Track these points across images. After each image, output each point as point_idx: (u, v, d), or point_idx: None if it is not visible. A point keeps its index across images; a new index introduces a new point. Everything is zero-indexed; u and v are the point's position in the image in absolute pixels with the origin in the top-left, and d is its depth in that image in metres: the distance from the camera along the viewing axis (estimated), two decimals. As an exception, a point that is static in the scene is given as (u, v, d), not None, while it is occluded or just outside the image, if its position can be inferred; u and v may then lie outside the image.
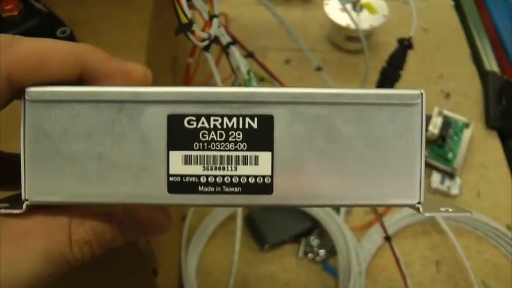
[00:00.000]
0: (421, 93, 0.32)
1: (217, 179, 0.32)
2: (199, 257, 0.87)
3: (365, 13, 1.10)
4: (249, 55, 0.69)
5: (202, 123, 0.32)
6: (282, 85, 0.69)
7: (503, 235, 0.89)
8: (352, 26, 1.06)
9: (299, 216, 0.90)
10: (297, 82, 1.08)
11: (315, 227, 0.90)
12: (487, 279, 0.86)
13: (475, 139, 1.03)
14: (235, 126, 0.32)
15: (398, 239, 0.90)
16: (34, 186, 0.32)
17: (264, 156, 0.32)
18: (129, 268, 0.57)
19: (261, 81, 0.85)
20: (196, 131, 0.32)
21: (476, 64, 1.18)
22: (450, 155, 0.98)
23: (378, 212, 0.79)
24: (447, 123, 1.00)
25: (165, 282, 0.69)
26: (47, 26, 0.59)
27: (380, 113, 0.32)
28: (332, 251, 0.87)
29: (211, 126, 0.32)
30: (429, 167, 0.99)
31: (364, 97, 0.32)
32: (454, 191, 0.96)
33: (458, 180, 0.97)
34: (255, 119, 0.32)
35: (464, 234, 0.91)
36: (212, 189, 0.32)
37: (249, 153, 0.32)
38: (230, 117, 0.32)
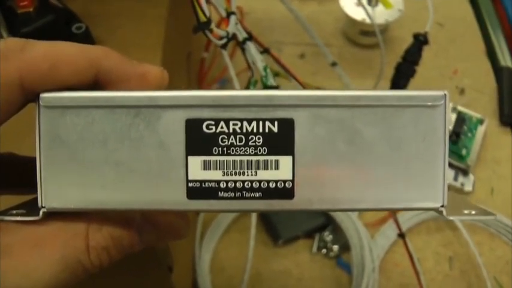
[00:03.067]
0: (445, 95, 0.32)
1: (237, 184, 0.32)
2: (213, 252, 0.87)
3: (380, 7, 1.09)
4: (265, 51, 0.68)
5: (222, 127, 0.31)
6: (297, 81, 0.69)
7: (516, 232, 0.89)
8: (368, 20, 1.06)
9: (313, 212, 0.90)
10: (312, 77, 1.08)
11: (328, 222, 0.90)
12: (499, 275, 0.86)
13: (488, 135, 1.02)
14: (255, 130, 0.32)
15: (412, 235, 0.90)
16: (50, 193, 0.32)
17: (285, 161, 0.32)
18: (145, 266, 0.57)
19: (276, 76, 0.84)
20: (216, 135, 0.32)
21: (491, 60, 1.17)
22: (464, 152, 0.97)
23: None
24: (461, 119, 1.00)
25: (179, 278, 0.69)
26: (62, 22, 0.59)
27: (402, 115, 0.32)
28: (346, 247, 0.87)
29: (231, 130, 0.31)
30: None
31: (386, 99, 0.32)
32: (468, 187, 0.95)
33: (471, 176, 0.97)
34: (275, 123, 0.32)
35: (477, 230, 0.91)
36: (232, 194, 0.32)
37: (269, 158, 0.32)
38: (250, 121, 0.31)
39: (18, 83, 0.31)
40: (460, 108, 1.01)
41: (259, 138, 0.32)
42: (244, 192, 0.32)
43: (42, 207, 0.32)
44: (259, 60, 0.63)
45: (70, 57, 0.32)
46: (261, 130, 0.32)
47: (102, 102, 0.32)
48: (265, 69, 0.63)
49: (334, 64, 0.83)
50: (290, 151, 0.32)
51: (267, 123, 0.32)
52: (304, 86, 0.69)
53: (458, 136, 0.98)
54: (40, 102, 0.32)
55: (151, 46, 0.60)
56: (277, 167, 0.32)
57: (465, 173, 0.97)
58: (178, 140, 0.32)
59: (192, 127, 0.32)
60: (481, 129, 1.00)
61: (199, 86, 0.93)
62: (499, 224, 0.90)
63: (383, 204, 0.33)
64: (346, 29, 1.19)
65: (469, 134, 1.00)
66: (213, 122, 0.32)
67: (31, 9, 0.56)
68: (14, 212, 0.32)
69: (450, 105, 1.00)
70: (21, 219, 0.32)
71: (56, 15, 0.57)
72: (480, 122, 1.01)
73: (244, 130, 0.32)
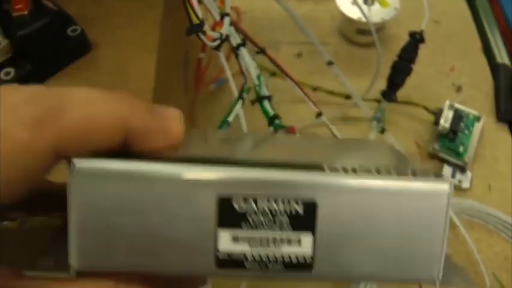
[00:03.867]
0: (450, 185, 0.34)
1: (263, 258, 0.33)
2: None
3: (376, 6, 1.09)
4: (261, 51, 0.68)
5: (250, 205, 0.33)
6: (293, 81, 0.69)
7: (514, 229, 0.89)
8: (364, 19, 1.06)
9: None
10: (308, 76, 1.07)
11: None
12: (497, 272, 0.86)
13: (485, 132, 1.03)
14: (281, 209, 0.33)
15: (410, 232, 0.89)
16: (82, 256, 0.32)
17: (307, 238, 0.34)
18: None
19: (273, 75, 0.84)
20: (245, 212, 0.33)
21: (487, 57, 1.17)
22: (461, 149, 0.98)
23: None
24: (458, 116, 1.00)
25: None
26: (57, 24, 0.59)
27: (410, 201, 0.34)
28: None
29: (259, 208, 0.33)
30: (440, 160, 0.99)
31: (399, 191, 0.34)
32: (465, 184, 0.96)
33: (469, 173, 0.97)
34: (300, 203, 0.33)
35: (475, 227, 0.91)
36: (257, 266, 0.33)
37: (292, 235, 0.33)
38: (277, 201, 0.33)
39: (53, 149, 0.30)
40: (457, 105, 1.01)
41: (284, 217, 0.33)
42: (268, 264, 0.34)
43: (73, 266, 0.32)
44: (253, 68, 0.63)
45: (104, 120, 0.31)
46: (287, 209, 0.33)
47: (137, 174, 0.32)
48: (258, 77, 0.62)
49: (330, 63, 0.84)
50: (312, 229, 0.34)
51: (292, 203, 0.33)
52: (300, 86, 0.69)
53: (455, 133, 0.98)
54: (72, 168, 0.31)
55: (147, 48, 0.60)
56: (299, 244, 0.34)
57: (463, 170, 0.97)
58: (209, 214, 0.33)
59: (223, 203, 0.33)
60: (478, 126, 1.01)
61: (197, 86, 0.93)
62: (497, 221, 0.90)
63: (386, 277, 0.35)
64: (342, 27, 1.19)
65: (466, 131, 1.00)
66: (243, 200, 0.33)
67: (26, 12, 0.56)
68: (44, 264, 0.33)
69: (447, 102, 1.00)
70: (51, 276, 0.32)
71: (51, 18, 0.57)
72: (477, 119, 1.01)
73: (272, 208, 0.33)
